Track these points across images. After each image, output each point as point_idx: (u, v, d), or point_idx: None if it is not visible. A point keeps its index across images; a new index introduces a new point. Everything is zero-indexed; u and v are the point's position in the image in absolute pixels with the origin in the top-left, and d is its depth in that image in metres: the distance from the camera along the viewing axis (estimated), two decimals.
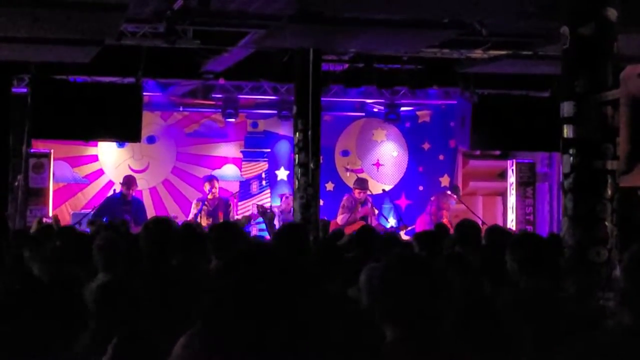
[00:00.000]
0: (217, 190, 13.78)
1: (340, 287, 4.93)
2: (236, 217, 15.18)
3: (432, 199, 14.81)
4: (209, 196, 13.62)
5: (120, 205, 13.03)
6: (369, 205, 13.93)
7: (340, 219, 13.69)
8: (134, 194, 13.43)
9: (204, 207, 13.40)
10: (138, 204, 13.36)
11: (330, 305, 4.63)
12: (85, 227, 12.38)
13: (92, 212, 13.29)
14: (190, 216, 13.46)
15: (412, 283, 3.06)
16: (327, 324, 4.40)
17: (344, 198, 14.13)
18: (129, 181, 13.42)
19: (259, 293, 2.01)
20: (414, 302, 3.03)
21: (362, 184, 14.08)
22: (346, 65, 13.92)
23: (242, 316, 2.08)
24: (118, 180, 14.49)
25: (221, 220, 12.50)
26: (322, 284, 4.77)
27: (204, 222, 12.96)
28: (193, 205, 13.77)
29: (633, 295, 3.41)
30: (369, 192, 14.03)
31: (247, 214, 14.11)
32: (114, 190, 14.07)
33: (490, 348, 4.27)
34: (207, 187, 13.76)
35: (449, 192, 15.37)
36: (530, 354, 4.34)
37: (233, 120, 15.91)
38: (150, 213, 14.46)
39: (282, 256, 2.16)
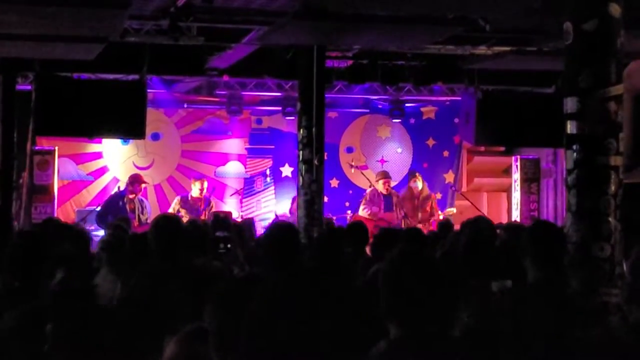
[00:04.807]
0: (206, 190, 13.87)
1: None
2: (241, 214, 15.22)
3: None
4: (194, 194, 13.66)
5: (124, 203, 13.05)
6: (395, 199, 13.99)
7: (363, 212, 13.78)
8: (139, 193, 13.44)
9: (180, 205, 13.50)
10: (140, 203, 13.38)
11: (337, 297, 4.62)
12: (89, 225, 12.43)
13: (96, 211, 13.33)
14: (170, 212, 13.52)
15: (415, 280, 3.05)
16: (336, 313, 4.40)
17: (367, 191, 14.25)
18: (133, 180, 13.46)
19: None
20: (417, 300, 3.02)
21: (386, 174, 14.31)
22: (350, 62, 13.91)
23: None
24: (123, 177, 14.51)
25: (204, 219, 12.62)
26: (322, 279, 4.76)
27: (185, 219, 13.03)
28: (175, 202, 13.80)
29: None
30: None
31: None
32: (119, 187, 14.08)
33: (495, 345, 4.27)
34: (197, 185, 13.77)
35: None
36: (538, 350, 4.33)
37: (237, 116, 15.92)
38: (155, 210, 14.51)
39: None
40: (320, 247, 5.73)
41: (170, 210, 13.56)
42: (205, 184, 13.93)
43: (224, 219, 7.88)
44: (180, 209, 13.36)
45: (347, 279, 4.77)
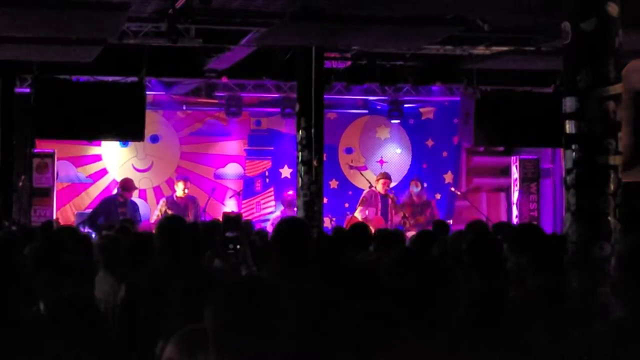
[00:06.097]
0: (188, 190, 13.91)
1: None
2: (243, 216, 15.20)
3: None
4: (179, 194, 13.68)
5: (116, 206, 13.08)
6: (390, 201, 13.97)
7: (358, 214, 13.76)
8: (130, 196, 13.48)
9: (167, 206, 13.52)
10: (133, 206, 13.41)
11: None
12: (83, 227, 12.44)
13: (89, 213, 13.36)
14: (157, 214, 13.55)
15: (413, 281, 3.05)
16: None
17: (364, 193, 14.21)
18: (126, 185, 13.48)
19: None
20: (415, 301, 3.01)
21: (386, 175, 14.32)
22: (349, 63, 13.92)
23: None
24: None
25: (191, 219, 12.63)
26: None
27: None
28: (161, 204, 13.83)
29: (627, 286, 3.40)
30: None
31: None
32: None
33: (497, 345, 4.26)
34: (180, 186, 13.79)
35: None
36: (537, 351, 4.33)
37: (236, 118, 15.92)
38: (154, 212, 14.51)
39: None
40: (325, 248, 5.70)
41: (157, 212, 13.60)
42: (188, 184, 13.97)
43: (234, 219, 7.96)
44: (168, 210, 13.37)
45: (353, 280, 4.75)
